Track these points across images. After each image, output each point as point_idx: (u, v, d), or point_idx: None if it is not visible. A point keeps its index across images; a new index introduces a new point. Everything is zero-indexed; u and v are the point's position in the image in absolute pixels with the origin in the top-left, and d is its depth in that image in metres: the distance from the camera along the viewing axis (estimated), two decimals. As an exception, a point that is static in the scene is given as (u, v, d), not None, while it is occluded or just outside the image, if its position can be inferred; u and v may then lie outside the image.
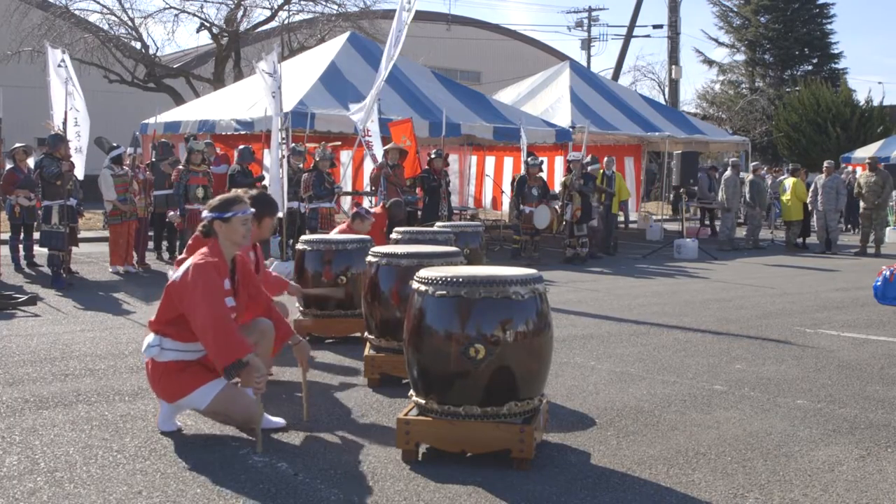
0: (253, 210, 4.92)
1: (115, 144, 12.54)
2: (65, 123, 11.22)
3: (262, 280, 5.61)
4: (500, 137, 17.64)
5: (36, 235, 12.10)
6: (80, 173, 12.44)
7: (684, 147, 19.89)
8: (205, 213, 4.82)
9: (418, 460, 4.38)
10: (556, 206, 14.93)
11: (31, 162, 12.40)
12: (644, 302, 10.03)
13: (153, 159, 13.93)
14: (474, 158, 23.02)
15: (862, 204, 16.64)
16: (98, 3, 27.06)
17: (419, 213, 14.04)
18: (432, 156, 14.46)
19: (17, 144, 12.25)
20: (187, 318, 4.59)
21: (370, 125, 13.30)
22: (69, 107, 11.43)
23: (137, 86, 26.98)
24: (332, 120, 14.93)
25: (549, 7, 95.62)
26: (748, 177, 17.69)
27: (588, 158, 15.13)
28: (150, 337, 4.78)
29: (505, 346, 4.22)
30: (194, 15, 27.09)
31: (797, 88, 38.14)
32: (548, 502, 3.93)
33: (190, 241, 6.07)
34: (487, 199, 23.06)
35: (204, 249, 4.75)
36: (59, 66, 11.61)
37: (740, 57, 44.16)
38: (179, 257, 6.27)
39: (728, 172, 17.43)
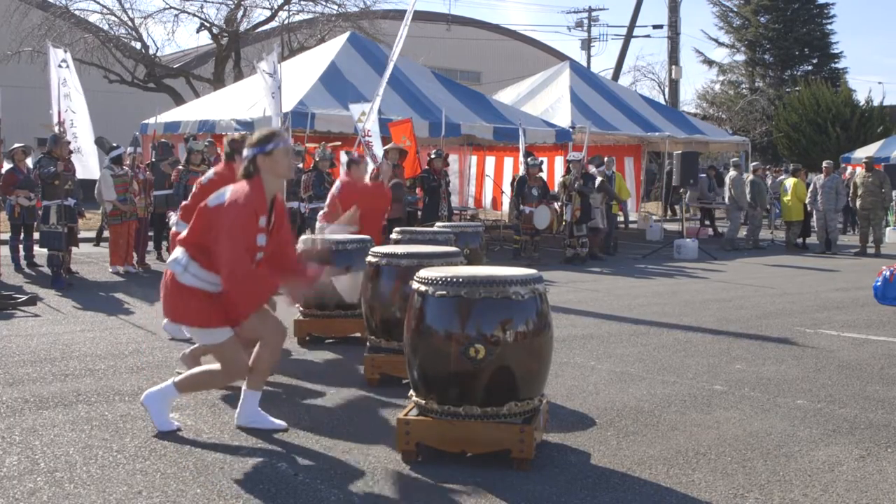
0: (291, 141, 4.87)
1: (114, 145, 12.55)
2: (61, 124, 11.20)
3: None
4: (499, 138, 17.64)
5: (36, 236, 12.10)
6: (87, 174, 12.43)
7: (684, 147, 19.87)
8: (245, 153, 4.68)
9: (418, 460, 4.38)
10: (556, 206, 14.92)
11: (29, 162, 12.40)
12: (644, 302, 10.03)
13: (153, 159, 13.92)
14: (474, 158, 23.02)
15: (859, 203, 16.68)
16: (98, 3, 27.11)
17: (419, 213, 14.03)
18: (432, 156, 14.46)
19: (16, 145, 12.25)
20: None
21: (370, 125, 13.31)
22: (64, 108, 11.39)
23: (137, 86, 26.98)
24: (332, 120, 14.93)
25: (549, 7, 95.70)
26: (748, 177, 17.70)
27: (591, 159, 15.14)
28: (179, 252, 4.66)
29: (505, 346, 4.22)
30: (194, 15, 27.13)
31: (797, 88, 38.12)
32: (548, 502, 3.93)
33: (196, 189, 6.37)
34: (487, 199, 23.06)
35: (244, 186, 4.59)
36: (60, 66, 11.60)
37: (740, 57, 44.19)
38: (184, 203, 6.62)
39: (733, 172, 17.44)
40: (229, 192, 4.60)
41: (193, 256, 4.60)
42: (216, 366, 4.80)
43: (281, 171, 4.68)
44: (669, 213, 24.01)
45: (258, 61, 13.19)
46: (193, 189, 6.48)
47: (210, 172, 6.66)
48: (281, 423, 4.92)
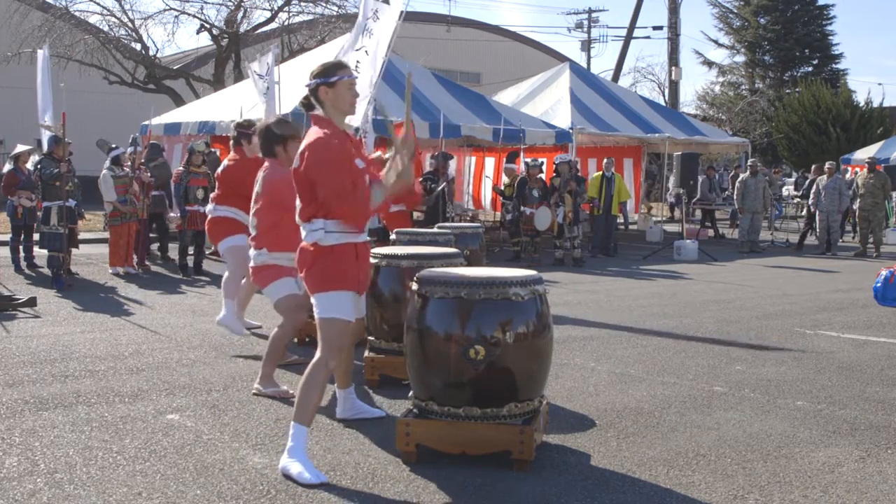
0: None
1: (114, 146, 12.53)
2: (62, 125, 11.19)
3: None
4: (499, 139, 17.62)
5: (36, 237, 12.09)
6: None
7: (684, 148, 19.86)
8: (308, 83, 4.42)
9: (418, 461, 4.38)
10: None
11: (30, 164, 12.40)
12: (644, 303, 10.02)
13: (142, 160, 13.83)
14: (473, 159, 23.00)
15: (858, 204, 16.70)
16: (98, 4, 27.10)
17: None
18: (437, 157, 14.42)
19: (22, 147, 12.25)
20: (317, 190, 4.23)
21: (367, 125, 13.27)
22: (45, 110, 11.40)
23: (137, 87, 26.96)
24: (333, 121, 14.90)
25: (549, 8, 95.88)
26: (743, 177, 17.69)
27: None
28: (311, 225, 4.35)
29: (505, 347, 4.22)
30: (194, 16, 27.08)
31: (797, 90, 38.16)
32: (548, 504, 3.93)
33: (218, 180, 7.13)
34: (487, 200, 23.03)
35: (314, 129, 4.36)
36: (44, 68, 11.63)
37: (740, 58, 44.28)
38: (214, 193, 7.28)
39: (745, 175, 17.40)
40: (304, 144, 4.35)
41: (326, 216, 4.29)
42: (313, 362, 4.37)
43: (344, 106, 4.38)
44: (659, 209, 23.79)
45: (250, 62, 13.18)
46: (217, 176, 7.29)
47: (225, 162, 7.32)
48: (379, 411, 5.24)
